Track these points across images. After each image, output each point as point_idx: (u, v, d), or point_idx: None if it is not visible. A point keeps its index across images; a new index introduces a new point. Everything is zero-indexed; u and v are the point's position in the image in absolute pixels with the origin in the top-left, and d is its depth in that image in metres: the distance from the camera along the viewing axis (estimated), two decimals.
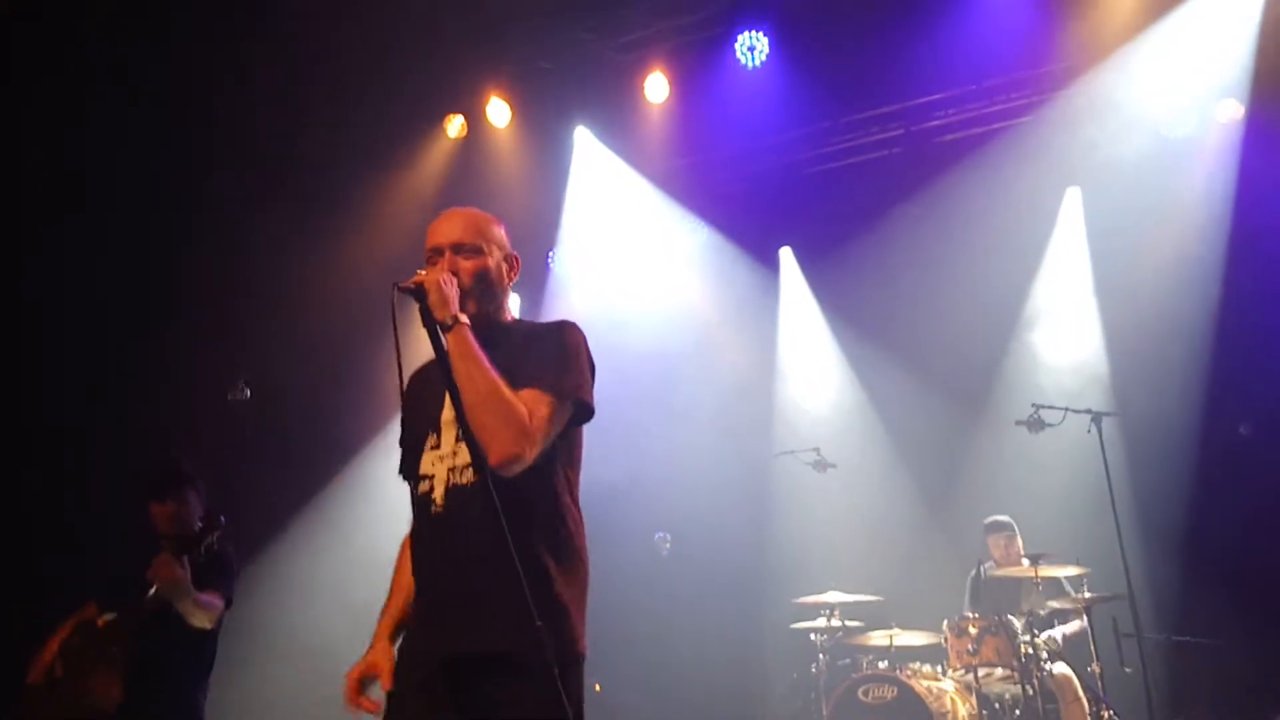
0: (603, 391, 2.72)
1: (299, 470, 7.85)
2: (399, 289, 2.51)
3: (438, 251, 2.75)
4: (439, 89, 8.19)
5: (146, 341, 7.21)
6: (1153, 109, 7.23)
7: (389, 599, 2.81)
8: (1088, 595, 5.99)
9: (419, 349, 2.63)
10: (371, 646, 2.70)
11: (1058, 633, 6.29)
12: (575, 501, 2.71)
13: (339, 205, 7.96)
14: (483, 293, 2.73)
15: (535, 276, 8.58)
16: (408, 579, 2.73)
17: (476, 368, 2.47)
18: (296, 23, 6.77)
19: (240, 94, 7.08)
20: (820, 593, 6.60)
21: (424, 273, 2.54)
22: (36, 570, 6.28)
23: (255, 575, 7.45)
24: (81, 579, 5.27)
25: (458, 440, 2.60)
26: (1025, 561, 6.49)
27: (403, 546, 2.85)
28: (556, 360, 2.65)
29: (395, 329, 2.48)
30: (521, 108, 8.22)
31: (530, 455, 2.49)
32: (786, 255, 8.71)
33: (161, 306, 7.33)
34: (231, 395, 7.69)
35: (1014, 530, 6.78)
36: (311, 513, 7.76)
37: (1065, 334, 7.66)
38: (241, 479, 7.45)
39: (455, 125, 8.42)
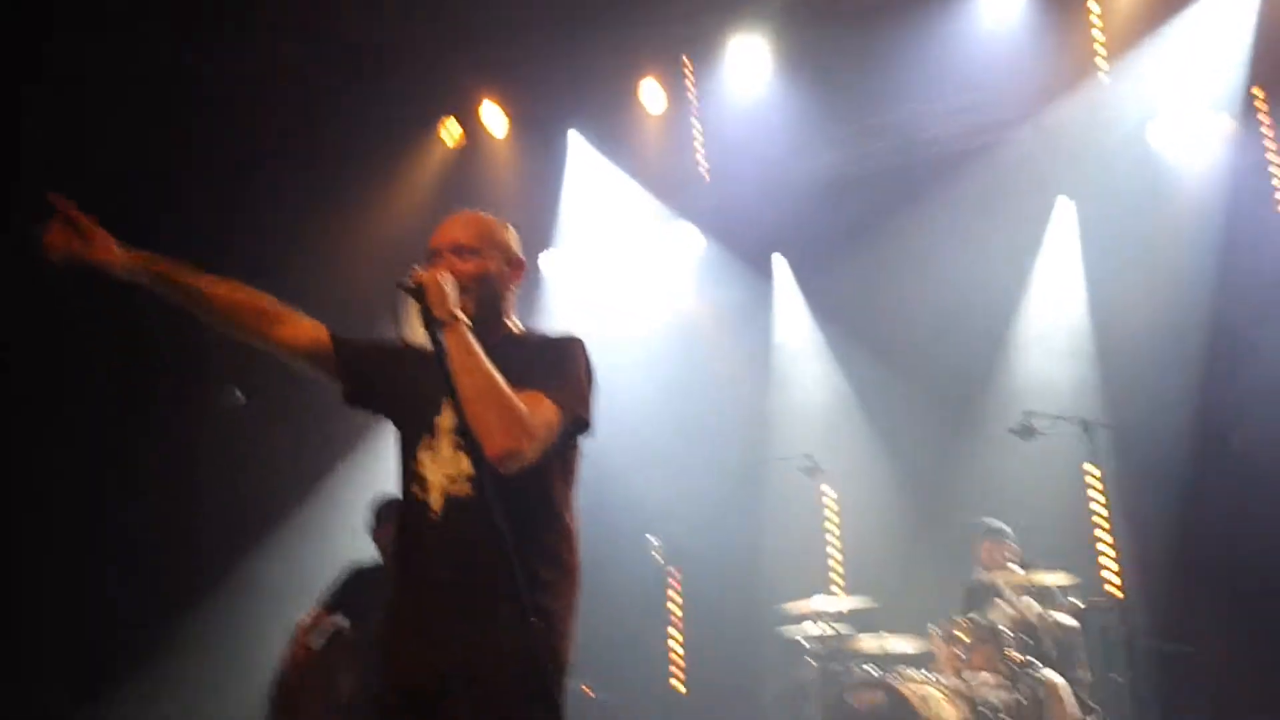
0: (596, 398, 2.74)
1: (288, 476, 7.87)
2: (399, 287, 2.50)
3: (437, 254, 2.78)
4: (434, 95, 8.23)
5: (141, 341, 7.25)
6: (1144, 122, 7.31)
7: (197, 273, 2.75)
8: (1079, 603, 6.01)
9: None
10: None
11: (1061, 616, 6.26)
12: (571, 516, 2.74)
13: (336, 211, 7.99)
14: (481, 294, 2.75)
15: (527, 281, 8.57)
16: (237, 296, 2.83)
17: (474, 362, 2.46)
18: (289, 34, 6.82)
19: (234, 96, 7.11)
20: (809, 597, 6.62)
21: (422, 271, 2.55)
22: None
23: (239, 580, 7.51)
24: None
25: (455, 449, 2.63)
26: (1017, 568, 6.50)
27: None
28: (559, 372, 2.68)
29: (399, 326, 2.52)
30: (517, 114, 8.25)
31: (529, 452, 2.48)
32: (779, 261, 8.72)
33: (153, 312, 7.33)
34: (223, 401, 7.66)
35: (1003, 535, 6.71)
36: (297, 518, 7.79)
37: (1057, 342, 7.68)
38: (224, 487, 7.50)
39: (451, 132, 8.46)
